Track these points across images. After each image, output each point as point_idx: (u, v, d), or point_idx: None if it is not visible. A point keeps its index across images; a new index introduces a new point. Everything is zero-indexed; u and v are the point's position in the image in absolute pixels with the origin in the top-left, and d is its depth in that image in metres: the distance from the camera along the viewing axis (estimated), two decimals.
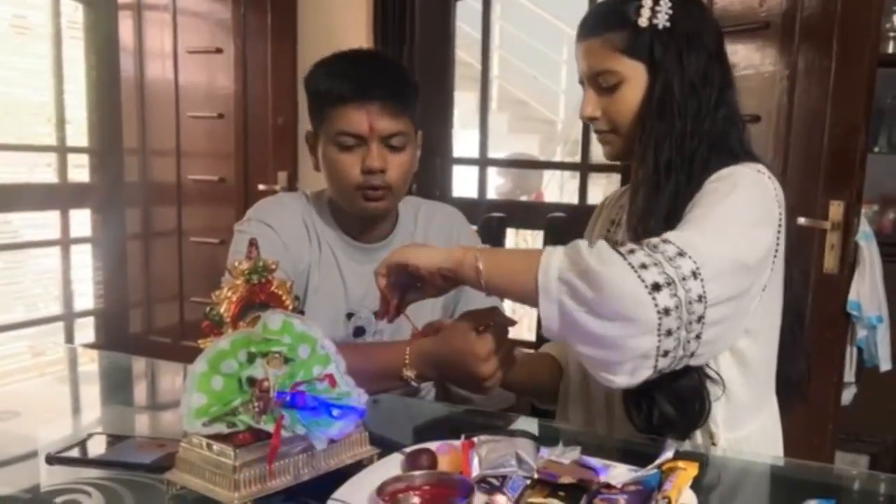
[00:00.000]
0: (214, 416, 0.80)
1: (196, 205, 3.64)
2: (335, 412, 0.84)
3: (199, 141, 3.50)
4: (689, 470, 0.81)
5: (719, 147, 1.05)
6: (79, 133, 3.60)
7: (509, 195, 4.29)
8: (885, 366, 2.05)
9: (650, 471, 0.81)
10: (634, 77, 1.06)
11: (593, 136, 3.18)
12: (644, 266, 0.89)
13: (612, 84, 1.07)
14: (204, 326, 0.83)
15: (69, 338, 3.83)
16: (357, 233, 1.35)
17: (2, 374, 1.29)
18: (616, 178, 2.97)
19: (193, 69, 3.41)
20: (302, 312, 0.90)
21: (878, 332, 2.00)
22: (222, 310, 0.83)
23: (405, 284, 1.07)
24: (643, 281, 0.88)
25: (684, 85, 1.03)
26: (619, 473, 0.80)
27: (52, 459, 0.91)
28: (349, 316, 1.35)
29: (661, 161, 1.03)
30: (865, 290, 2.09)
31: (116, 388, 1.37)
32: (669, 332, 0.88)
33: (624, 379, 0.92)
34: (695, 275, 0.89)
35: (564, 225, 1.66)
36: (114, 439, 0.96)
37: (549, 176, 4.77)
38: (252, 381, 0.82)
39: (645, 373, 0.91)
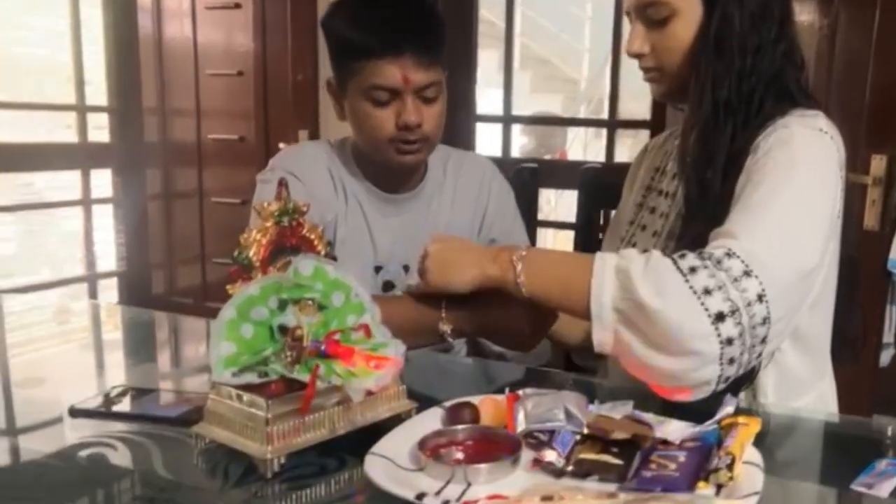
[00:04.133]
0: (244, 365, 0.75)
1: (216, 164, 3.60)
2: (372, 363, 0.79)
3: (218, 99, 3.45)
4: (752, 425, 0.75)
5: (776, 86, 0.98)
6: (98, 93, 3.56)
7: (533, 154, 4.20)
8: None
9: (709, 426, 0.75)
10: (688, 9, 0.98)
11: (622, 92, 3.06)
12: (708, 291, 0.81)
13: (663, 17, 0.99)
14: (232, 272, 0.78)
15: (93, 298, 3.83)
16: (385, 183, 1.29)
17: (27, 339, 1.24)
18: (644, 134, 2.88)
19: (212, 26, 3.35)
20: (334, 258, 0.85)
21: None
22: (251, 253, 0.78)
23: None
24: (707, 310, 0.81)
25: (744, 17, 0.95)
26: (675, 429, 0.75)
27: (75, 412, 0.87)
28: (377, 269, 1.30)
29: (719, 101, 0.95)
30: None
31: (140, 343, 1.33)
32: (732, 361, 0.82)
33: (682, 398, 0.86)
34: (760, 298, 0.82)
35: (598, 178, 1.59)
36: (138, 393, 0.92)
37: (572, 135, 4.67)
38: (284, 330, 0.77)
39: (703, 395, 0.85)
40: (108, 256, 3.98)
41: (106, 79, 3.59)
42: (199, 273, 3.75)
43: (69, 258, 3.94)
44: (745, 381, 0.94)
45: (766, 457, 0.72)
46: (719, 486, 0.68)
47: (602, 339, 0.86)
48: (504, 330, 1.00)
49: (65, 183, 3.69)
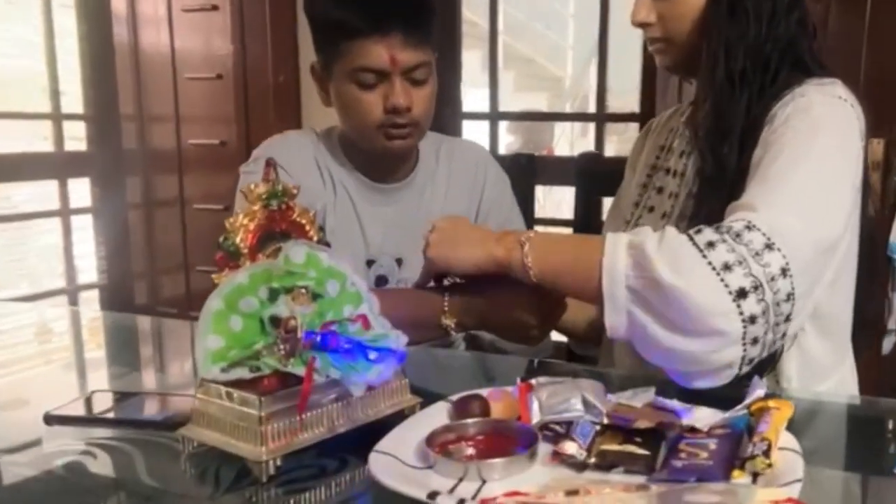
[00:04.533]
0: (234, 360, 0.69)
1: (197, 171, 3.52)
2: (372, 355, 0.73)
3: (197, 104, 3.39)
4: (784, 410, 0.70)
5: (790, 55, 0.93)
6: (74, 103, 3.48)
7: (520, 152, 4.16)
8: None
9: (738, 412, 0.70)
10: None
11: (609, 84, 3.02)
12: (728, 267, 0.76)
13: None
14: (218, 259, 0.72)
15: (74, 314, 3.73)
16: (374, 173, 1.23)
17: (8, 361, 1.17)
18: (634, 127, 2.84)
19: (188, 29, 3.28)
20: (328, 245, 0.79)
21: None
22: (238, 239, 0.72)
23: None
24: (727, 286, 0.75)
25: None
26: (702, 416, 0.70)
27: (50, 419, 0.80)
28: (369, 263, 1.24)
29: (734, 70, 0.91)
30: None
31: (121, 348, 1.26)
32: (755, 341, 0.77)
33: (702, 384, 0.81)
34: (784, 272, 0.77)
35: (595, 164, 1.53)
36: (120, 397, 0.85)
37: (559, 132, 4.63)
38: (276, 322, 0.71)
39: (726, 380, 0.80)
40: (89, 268, 3.90)
41: (81, 86, 3.51)
42: (183, 283, 3.67)
43: (48, 271, 3.84)
44: (768, 365, 0.89)
45: (804, 443, 0.67)
46: (755, 475, 0.63)
47: (615, 322, 0.80)
48: (510, 323, 0.94)
49: (42, 194, 3.61)
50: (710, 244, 0.77)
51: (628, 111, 2.84)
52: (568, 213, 1.76)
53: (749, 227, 0.78)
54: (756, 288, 0.75)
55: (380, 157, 1.19)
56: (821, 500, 0.64)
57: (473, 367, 1.10)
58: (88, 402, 0.84)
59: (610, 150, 3.65)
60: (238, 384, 0.68)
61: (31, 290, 3.68)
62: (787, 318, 0.78)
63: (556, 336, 1.25)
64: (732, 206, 0.83)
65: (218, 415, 0.70)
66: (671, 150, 1.10)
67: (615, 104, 2.85)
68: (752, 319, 0.75)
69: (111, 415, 0.81)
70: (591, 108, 2.92)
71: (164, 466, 0.71)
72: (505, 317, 0.94)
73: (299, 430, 0.69)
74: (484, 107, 2.96)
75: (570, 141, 4.48)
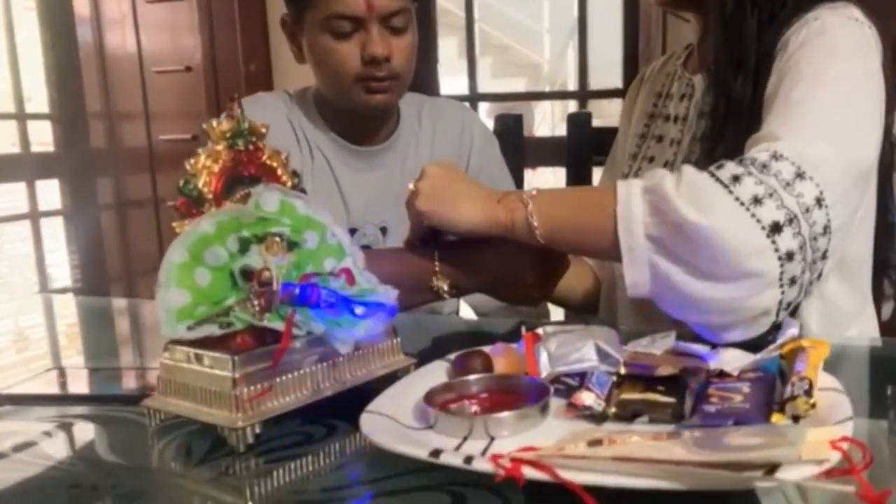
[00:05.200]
0: (202, 317, 0.61)
1: (170, 168, 3.42)
2: (359, 310, 0.65)
3: (167, 99, 3.29)
4: (820, 349, 0.63)
5: None
6: (39, 104, 3.37)
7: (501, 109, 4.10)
8: None
9: (770, 353, 0.63)
10: None
11: (591, 60, 2.95)
12: (757, 200, 0.68)
13: None
14: (179, 205, 0.63)
15: (49, 318, 3.62)
16: (353, 134, 1.15)
17: None
18: (618, 103, 2.78)
19: (154, 21, 3.19)
20: (303, 191, 0.71)
21: None
22: (201, 183, 0.63)
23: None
24: (759, 221, 0.67)
25: None
26: (731, 358, 0.62)
27: (1, 400, 0.72)
28: (351, 233, 1.15)
29: None
30: None
31: (86, 328, 1.17)
32: (793, 281, 0.69)
33: (736, 336, 0.72)
34: (819, 202, 0.69)
35: (587, 123, 1.46)
36: (76, 373, 0.77)
37: (539, 117, 4.57)
38: (248, 275, 0.63)
39: (762, 329, 0.72)
40: (62, 272, 3.78)
41: (46, 87, 3.40)
42: None
43: (20, 276, 3.72)
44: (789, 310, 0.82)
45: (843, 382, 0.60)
46: (796, 418, 0.56)
47: (636, 277, 0.72)
48: (509, 283, 0.85)
49: (9, 198, 3.49)
50: (736, 178, 0.70)
51: (611, 87, 2.77)
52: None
53: (776, 157, 0.71)
54: (791, 221, 0.68)
55: (358, 115, 1.11)
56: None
57: (468, 331, 1.02)
58: (43, 379, 0.75)
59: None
60: (208, 344, 0.60)
61: (2, 296, 3.55)
62: (824, 255, 0.71)
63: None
64: (753, 138, 0.76)
65: (187, 381, 0.61)
66: (669, 95, 1.03)
67: (596, 82, 2.78)
68: (790, 256, 0.68)
69: (68, 391, 0.72)
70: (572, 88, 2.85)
71: (129, 442, 0.63)
72: (503, 276, 0.85)
73: (279, 393, 0.61)
74: (462, 92, 2.89)
75: (551, 126, 4.41)
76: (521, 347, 0.69)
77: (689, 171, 0.72)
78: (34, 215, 3.48)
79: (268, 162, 0.68)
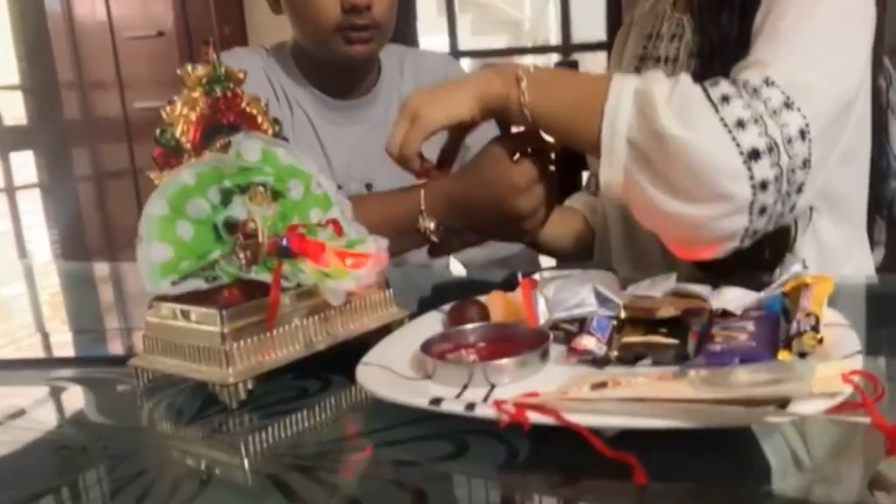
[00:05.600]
0: (186, 272, 0.58)
1: (147, 137, 3.34)
2: (349, 261, 0.63)
3: (140, 66, 3.21)
4: (824, 285, 0.61)
5: None
6: (9, 72, 3.28)
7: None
8: None
9: (773, 291, 0.61)
10: None
11: (573, 15, 2.90)
12: (741, 124, 0.67)
13: None
14: (156, 155, 0.60)
15: (32, 293, 3.57)
16: (333, 87, 1.11)
17: None
18: (602, 56, 2.74)
19: None
20: (286, 139, 0.68)
21: None
22: (178, 132, 0.60)
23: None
24: (739, 146, 0.66)
25: None
26: (734, 297, 0.61)
27: None
28: None
29: None
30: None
31: (68, 292, 1.14)
32: (763, 210, 0.68)
33: (700, 254, 0.72)
34: (803, 135, 0.68)
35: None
36: (58, 337, 0.74)
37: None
38: (232, 227, 0.60)
39: (724, 252, 0.71)
40: (42, 246, 3.72)
41: (16, 58, 3.31)
42: None
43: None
44: (784, 250, 0.81)
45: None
46: (803, 355, 0.54)
47: (610, 178, 0.70)
48: (499, 217, 0.80)
49: None
50: (725, 98, 0.68)
51: (595, 40, 2.73)
52: None
53: (767, 83, 0.69)
54: (771, 150, 0.66)
55: (338, 67, 1.07)
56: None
57: (461, 283, 1.00)
58: (28, 343, 0.73)
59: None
60: (194, 299, 0.58)
61: None
62: (800, 189, 0.70)
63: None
64: (743, 64, 0.74)
65: (174, 338, 0.59)
66: (660, 36, 1.00)
67: (579, 36, 2.73)
68: (763, 185, 0.67)
69: (53, 355, 0.70)
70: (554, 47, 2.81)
71: (116, 402, 0.61)
72: (493, 206, 0.80)
73: (271, 347, 0.59)
74: (442, 50, 2.83)
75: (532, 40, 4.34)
76: (517, 295, 0.67)
77: (684, 81, 0.70)
78: (10, 189, 3.41)
79: (247, 109, 0.65)
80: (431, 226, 0.81)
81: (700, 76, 0.84)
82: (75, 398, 0.62)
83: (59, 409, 0.61)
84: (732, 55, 0.81)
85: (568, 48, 2.69)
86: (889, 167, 1.03)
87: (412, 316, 0.69)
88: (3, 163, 3.34)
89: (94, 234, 3.67)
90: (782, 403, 0.43)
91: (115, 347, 0.72)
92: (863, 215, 0.92)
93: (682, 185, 0.67)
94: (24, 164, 3.48)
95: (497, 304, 0.67)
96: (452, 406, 0.49)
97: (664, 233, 0.73)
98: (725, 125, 0.67)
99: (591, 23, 2.78)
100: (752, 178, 0.66)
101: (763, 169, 0.67)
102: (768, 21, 0.77)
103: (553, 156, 0.82)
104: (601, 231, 1.03)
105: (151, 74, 3.22)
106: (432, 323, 0.67)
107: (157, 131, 0.60)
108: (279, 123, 0.68)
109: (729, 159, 0.66)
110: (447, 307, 0.68)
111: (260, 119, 0.66)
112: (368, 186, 1.14)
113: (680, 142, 0.66)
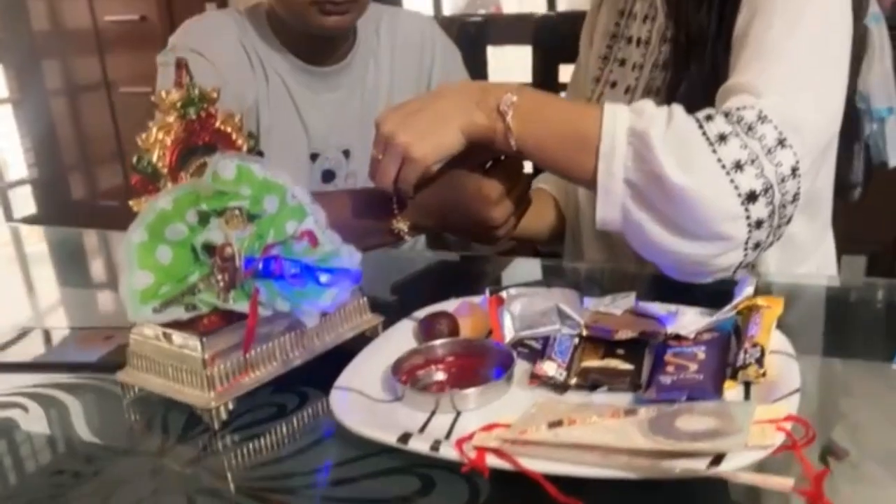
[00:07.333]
0: (167, 297, 0.61)
1: (120, 50, 3.27)
2: (323, 277, 0.65)
3: None
4: (774, 308, 0.65)
5: None
6: None
7: (466, 10, 3.93)
8: (893, 161, 1.92)
9: (727, 314, 0.65)
10: None
11: None
12: (739, 166, 0.68)
13: None
14: (135, 183, 0.62)
15: (6, 210, 3.56)
16: (309, 54, 1.10)
17: None
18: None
19: None
20: (261, 154, 0.69)
21: (886, 125, 1.85)
22: (155, 158, 0.61)
23: None
24: (737, 188, 0.68)
25: None
26: (688, 321, 0.64)
27: None
28: (314, 158, 1.13)
29: None
30: (874, 80, 1.92)
31: (58, 268, 1.16)
32: (757, 245, 0.71)
33: (694, 280, 0.75)
34: (794, 172, 0.70)
35: (553, 29, 1.41)
36: (49, 334, 0.77)
37: None
38: (210, 249, 0.62)
39: (719, 277, 0.74)
40: (17, 163, 3.68)
41: None
42: (120, 172, 3.49)
43: None
44: None
45: (794, 340, 0.62)
46: (747, 384, 0.59)
47: (607, 215, 0.72)
48: (472, 222, 0.83)
49: None
50: (722, 137, 0.69)
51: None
52: (523, 75, 1.65)
53: (761, 119, 0.70)
54: (766, 191, 0.69)
55: (314, 36, 1.06)
56: (816, 394, 0.61)
57: (436, 269, 1.03)
58: (18, 344, 0.76)
59: (563, 2, 3.46)
60: (175, 323, 0.61)
61: None
62: (789, 220, 0.73)
63: None
64: (732, 85, 0.75)
65: (157, 357, 0.62)
66: (632, 14, 0.99)
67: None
68: (759, 224, 0.70)
69: (42, 358, 0.73)
70: None
71: (105, 417, 0.65)
72: (466, 214, 0.83)
73: (250, 368, 0.62)
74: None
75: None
76: (484, 304, 0.70)
77: (679, 116, 0.71)
78: None
79: (221, 127, 0.66)
80: (405, 227, 0.84)
81: (673, 70, 0.85)
82: (63, 410, 0.65)
83: (48, 422, 0.64)
84: (711, 51, 0.82)
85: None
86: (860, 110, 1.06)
87: (386, 321, 0.72)
88: None
89: (69, 147, 3.63)
90: (718, 457, 0.48)
91: (106, 346, 0.74)
92: (828, 208, 0.95)
93: (681, 225, 0.69)
94: None
95: (466, 314, 0.70)
96: (418, 445, 0.53)
97: (661, 263, 0.75)
98: (724, 167, 0.68)
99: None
100: (748, 218, 0.69)
101: (759, 209, 0.69)
102: (753, 30, 0.77)
103: None
104: (572, 214, 1.05)
105: None
106: (404, 332, 0.70)
107: (135, 158, 0.61)
108: (254, 137, 0.68)
109: (728, 203, 0.68)
110: (419, 314, 0.71)
111: (234, 136, 0.67)
112: (346, 153, 1.15)
113: (680, 187, 0.68)
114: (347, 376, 0.62)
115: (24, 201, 3.67)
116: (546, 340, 0.64)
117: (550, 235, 1.07)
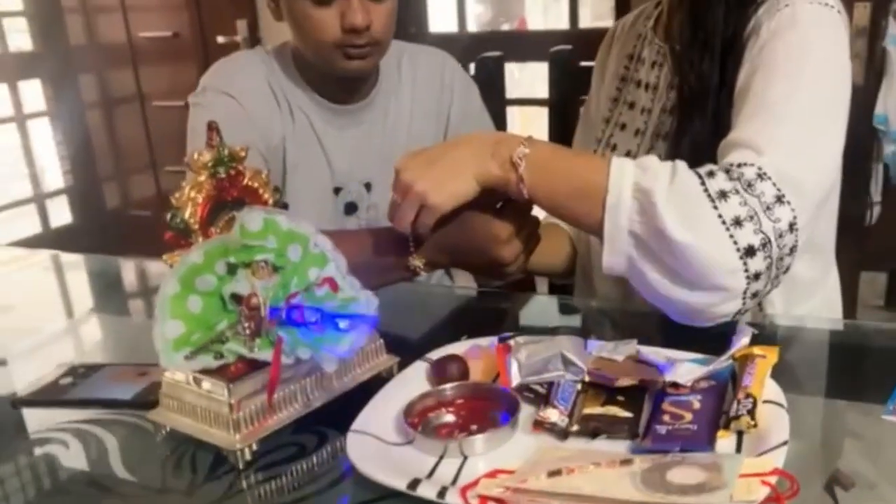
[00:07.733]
0: (197, 344, 0.65)
1: (153, 65, 3.36)
2: (342, 324, 0.70)
3: None
4: (769, 357, 0.68)
5: None
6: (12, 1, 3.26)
7: (490, 25, 3.97)
8: None
9: (723, 363, 0.68)
10: None
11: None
12: (738, 222, 0.72)
13: None
14: (168, 238, 0.67)
15: (43, 219, 3.66)
16: (333, 93, 1.15)
17: None
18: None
19: None
20: (285, 206, 0.74)
21: None
22: (187, 215, 0.66)
23: None
24: (736, 244, 0.72)
25: None
26: (686, 370, 0.68)
27: (17, 403, 0.78)
28: (336, 191, 1.18)
29: None
30: (893, 102, 1.92)
31: (96, 299, 1.22)
32: (755, 295, 0.75)
33: (695, 324, 0.78)
34: (792, 227, 0.74)
35: (569, 57, 1.45)
36: (86, 371, 0.82)
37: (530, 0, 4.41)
38: (237, 298, 0.67)
39: (717, 322, 0.78)
40: (54, 175, 3.78)
41: None
42: (153, 183, 3.58)
43: (12, 179, 3.73)
44: None
45: (782, 378, 0.66)
46: (739, 433, 0.62)
47: (612, 263, 0.77)
48: (484, 259, 0.87)
49: None
50: (723, 194, 0.73)
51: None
52: (542, 91, 1.68)
53: (761, 176, 0.74)
54: (764, 245, 0.72)
55: (338, 77, 1.11)
56: (808, 438, 0.64)
57: (448, 304, 1.07)
58: (56, 381, 0.81)
59: (587, 16, 3.49)
60: (205, 371, 0.65)
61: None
62: (786, 270, 0.77)
63: None
64: (733, 139, 0.78)
65: (187, 400, 0.67)
66: (640, 59, 1.02)
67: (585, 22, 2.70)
68: (757, 276, 0.73)
69: (80, 395, 0.78)
70: None
71: (138, 454, 0.69)
72: (478, 253, 0.87)
73: (273, 411, 0.67)
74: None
75: (543, 7, 4.26)
76: (493, 347, 0.74)
77: (682, 174, 0.74)
78: (20, 117, 3.45)
79: (249, 183, 0.70)
80: (421, 264, 0.88)
81: (678, 121, 0.88)
82: (100, 448, 0.70)
83: (86, 460, 0.69)
84: (713, 103, 0.85)
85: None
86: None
87: (401, 362, 0.76)
88: (10, 92, 3.36)
89: (104, 159, 3.72)
90: None
91: (142, 383, 0.79)
92: (832, 243, 0.98)
93: (682, 276, 0.73)
94: (32, 93, 3.50)
95: (476, 357, 0.75)
96: (426, 491, 0.57)
97: (663, 308, 0.79)
98: (724, 223, 0.72)
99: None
100: (746, 271, 0.73)
101: (757, 263, 0.73)
102: (754, 86, 0.80)
103: None
104: (584, 250, 1.09)
105: (156, 1, 3.21)
106: (418, 373, 0.74)
107: (168, 215, 0.66)
108: (279, 191, 0.73)
109: (727, 258, 0.72)
110: (433, 355, 0.76)
111: (262, 191, 0.71)
112: (367, 186, 1.19)
113: (682, 242, 0.71)
114: (363, 420, 0.67)
115: (60, 210, 3.78)
116: (551, 385, 0.68)
117: (564, 270, 1.11)
